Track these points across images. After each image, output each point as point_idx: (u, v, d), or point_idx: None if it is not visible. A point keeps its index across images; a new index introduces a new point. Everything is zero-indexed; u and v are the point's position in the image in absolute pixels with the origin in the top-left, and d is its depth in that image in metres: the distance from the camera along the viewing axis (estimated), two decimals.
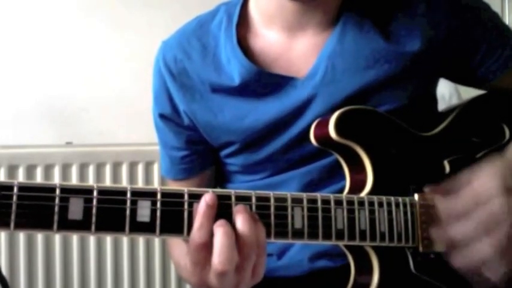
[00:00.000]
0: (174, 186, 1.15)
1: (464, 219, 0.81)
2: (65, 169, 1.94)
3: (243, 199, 0.77)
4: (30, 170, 1.90)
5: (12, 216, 0.64)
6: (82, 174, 1.96)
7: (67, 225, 0.67)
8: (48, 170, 1.92)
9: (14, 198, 0.65)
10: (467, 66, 1.07)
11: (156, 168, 2.03)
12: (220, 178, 1.16)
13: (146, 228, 0.71)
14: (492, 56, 1.05)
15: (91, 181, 1.97)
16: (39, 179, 1.91)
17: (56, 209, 0.66)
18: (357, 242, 0.85)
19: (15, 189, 0.65)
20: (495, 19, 1.09)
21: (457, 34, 1.03)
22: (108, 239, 1.98)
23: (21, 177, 1.89)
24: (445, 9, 1.02)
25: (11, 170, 1.88)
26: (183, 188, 0.75)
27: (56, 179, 1.92)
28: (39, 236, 1.89)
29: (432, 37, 1.01)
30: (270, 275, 1.07)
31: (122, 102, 2.06)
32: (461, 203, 0.82)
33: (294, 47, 1.03)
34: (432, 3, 1.02)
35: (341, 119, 0.92)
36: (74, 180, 1.94)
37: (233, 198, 0.76)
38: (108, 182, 1.98)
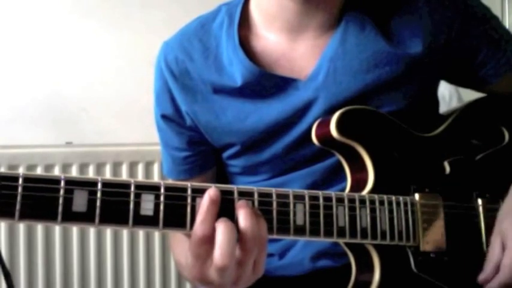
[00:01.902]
0: None
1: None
2: (65, 169, 1.94)
3: (245, 195, 0.77)
4: (30, 170, 1.89)
5: (17, 207, 0.65)
6: (82, 174, 1.94)
7: (71, 217, 0.67)
8: (48, 170, 1.92)
9: (19, 189, 0.65)
10: (468, 69, 1.07)
11: (156, 168, 2.03)
12: (222, 179, 1.16)
13: (149, 221, 0.72)
14: (492, 59, 1.06)
15: None
16: None
17: (61, 200, 0.66)
18: (358, 240, 0.86)
19: (21, 181, 0.65)
20: (495, 23, 1.09)
21: (458, 37, 1.03)
22: (108, 237, 1.98)
23: None
24: (446, 12, 1.02)
25: (11, 170, 1.86)
26: (187, 182, 0.75)
27: None
28: (39, 231, 1.89)
29: (433, 40, 1.01)
30: (271, 274, 1.07)
31: (121, 102, 2.05)
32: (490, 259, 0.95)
33: (296, 48, 1.03)
34: (433, 6, 1.02)
35: (342, 118, 0.93)
36: None
37: (235, 194, 0.77)
38: None
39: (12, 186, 0.65)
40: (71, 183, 0.67)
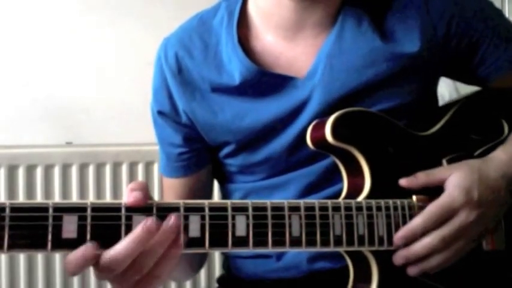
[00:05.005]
0: (169, 185, 1.15)
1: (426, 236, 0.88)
2: (65, 169, 1.94)
3: (239, 209, 0.76)
4: (30, 170, 1.91)
5: (5, 238, 0.64)
6: (82, 174, 1.96)
7: (61, 244, 0.66)
8: (48, 170, 1.93)
9: (6, 220, 0.64)
10: (468, 64, 1.06)
11: (156, 168, 2.03)
12: (221, 178, 1.16)
13: None
14: (494, 55, 1.04)
15: (91, 181, 1.97)
16: (39, 179, 1.91)
17: (50, 228, 0.65)
18: (355, 248, 0.85)
19: (7, 210, 0.64)
20: (497, 17, 1.07)
21: (457, 33, 1.02)
22: None
23: (21, 177, 1.89)
24: (444, 7, 1.01)
25: (11, 170, 1.89)
26: (179, 200, 0.74)
27: (56, 179, 1.93)
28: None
29: (431, 36, 1.00)
30: (268, 276, 1.07)
31: (122, 102, 2.05)
32: (423, 220, 0.88)
33: (294, 47, 1.02)
34: (431, 2, 1.01)
35: (338, 121, 0.91)
36: (74, 180, 1.95)
37: (229, 209, 0.76)
38: (108, 182, 1.99)
39: None
40: (60, 209, 0.66)
